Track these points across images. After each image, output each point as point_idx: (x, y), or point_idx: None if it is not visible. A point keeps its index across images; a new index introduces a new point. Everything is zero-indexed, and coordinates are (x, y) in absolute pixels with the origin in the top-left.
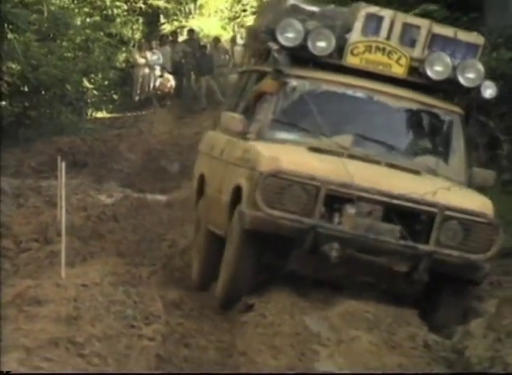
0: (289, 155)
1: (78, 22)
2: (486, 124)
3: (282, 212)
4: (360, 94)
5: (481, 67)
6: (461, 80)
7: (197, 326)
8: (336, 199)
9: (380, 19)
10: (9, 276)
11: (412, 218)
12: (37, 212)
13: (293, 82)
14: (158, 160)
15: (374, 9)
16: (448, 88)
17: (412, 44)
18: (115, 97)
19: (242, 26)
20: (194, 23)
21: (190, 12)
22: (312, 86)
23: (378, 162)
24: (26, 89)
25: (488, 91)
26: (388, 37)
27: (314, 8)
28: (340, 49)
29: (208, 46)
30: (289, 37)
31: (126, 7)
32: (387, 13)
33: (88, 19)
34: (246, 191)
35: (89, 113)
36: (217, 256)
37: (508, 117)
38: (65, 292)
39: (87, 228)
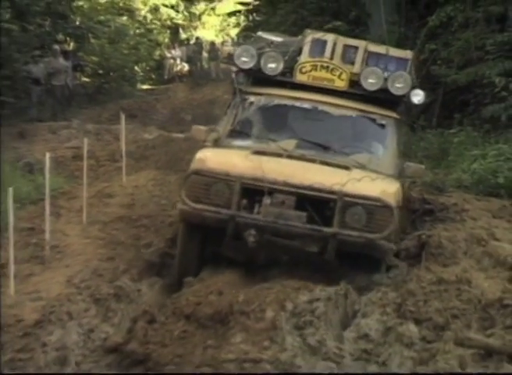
0: (222, 155)
1: (131, 32)
2: None
3: (205, 206)
4: (306, 105)
5: (408, 78)
6: (392, 89)
7: None
8: (257, 191)
9: (324, 42)
10: (93, 181)
11: (322, 205)
12: (108, 144)
13: (251, 98)
14: (179, 113)
15: (319, 35)
16: (382, 97)
17: (352, 61)
18: (153, 76)
19: (227, 34)
20: (199, 33)
21: (197, 27)
22: (266, 101)
23: (313, 161)
24: (101, 72)
25: (417, 98)
26: (331, 57)
27: (276, 38)
28: (293, 69)
29: (207, 45)
30: (244, 60)
31: (159, 23)
32: (330, 37)
33: (137, 31)
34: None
35: (138, 86)
36: None
37: None
38: (125, 190)
39: (137, 153)
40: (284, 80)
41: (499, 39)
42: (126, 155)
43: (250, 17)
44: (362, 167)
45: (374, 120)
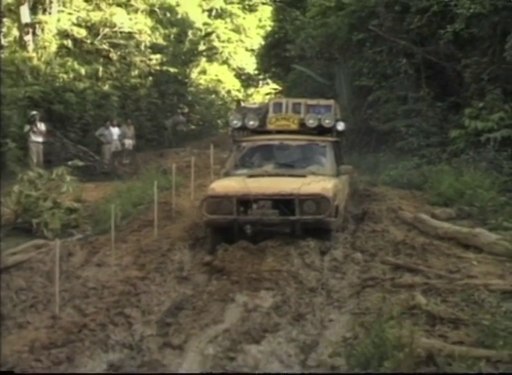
0: (225, 183)
1: (216, 103)
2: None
3: (218, 215)
4: (276, 142)
5: (333, 116)
6: (324, 124)
7: None
8: (248, 201)
9: (281, 103)
10: (196, 179)
11: (288, 203)
12: (204, 160)
13: (243, 144)
14: None
15: (277, 100)
16: (320, 130)
17: (299, 111)
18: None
19: (268, 98)
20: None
21: (249, 100)
22: (253, 144)
23: (283, 175)
24: (201, 123)
25: (340, 127)
26: (286, 111)
27: (253, 106)
28: (265, 122)
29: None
30: (235, 122)
31: (231, 98)
32: (284, 100)
33: (219, 102)
34: None
35: (220, 130)
36: None
37: None
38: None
39: (219, 164)
40: (261, 130)
41: (404, 108)
42: (214, 165)
43: (278, 95)
44: (314, 174)
45: (318, 144)
